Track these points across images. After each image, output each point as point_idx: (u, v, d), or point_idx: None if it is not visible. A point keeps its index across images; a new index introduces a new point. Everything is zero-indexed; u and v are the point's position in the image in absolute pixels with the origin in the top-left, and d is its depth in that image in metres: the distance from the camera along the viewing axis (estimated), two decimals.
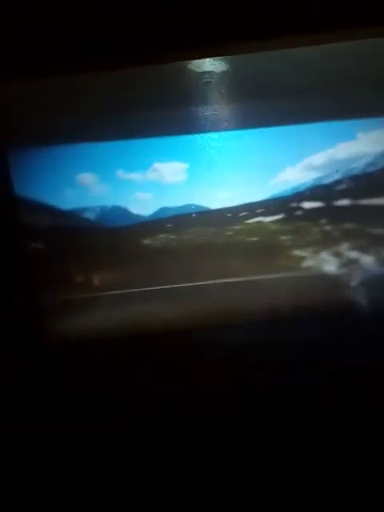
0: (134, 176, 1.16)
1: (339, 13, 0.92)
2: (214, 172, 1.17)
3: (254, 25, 0.92)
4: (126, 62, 0.97)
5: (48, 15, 0.92)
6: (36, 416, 1.11)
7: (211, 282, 1.20)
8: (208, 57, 1.01)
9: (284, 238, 1.20)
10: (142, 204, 1.18)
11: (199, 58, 1.02)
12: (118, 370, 1.15)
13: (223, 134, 1.14)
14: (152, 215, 1.19)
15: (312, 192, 1.18)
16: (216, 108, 1.12)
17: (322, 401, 1.11)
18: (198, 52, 0.97)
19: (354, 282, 1.18)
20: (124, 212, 1.18)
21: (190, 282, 1.20)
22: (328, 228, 1.19)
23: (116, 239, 1.21)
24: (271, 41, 0.94)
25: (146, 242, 1.21)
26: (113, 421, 1.10)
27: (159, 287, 1.20)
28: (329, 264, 1.20)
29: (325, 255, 1.19)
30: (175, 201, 1.18)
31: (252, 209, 1.19)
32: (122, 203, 1.18)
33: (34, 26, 0.93)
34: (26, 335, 1.19)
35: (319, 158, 1.16)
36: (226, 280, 1.19)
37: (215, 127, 1.13)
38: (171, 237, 1.21)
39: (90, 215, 1.20)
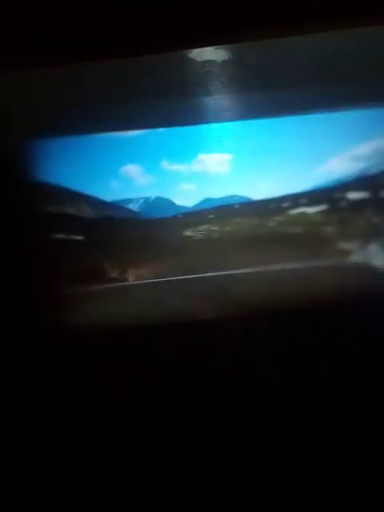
0: (179, 167, 1.17)
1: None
2: (257, 162, 1.17)
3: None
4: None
5: None
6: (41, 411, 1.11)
7: (250, 270, 1.18)
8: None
9: (328, 229, 1.18)
10: (186, 195, 1.19)
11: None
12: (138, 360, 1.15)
13: (267, 122, 1.15)
14: (195, 206, 1.20)
15: (357, 183, 1.17)
16: (260, 95, 1.12)
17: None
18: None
19: None
20: (168, 203, 1.20)
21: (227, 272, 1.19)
22: (374, 220, 1.17)
23: (158, 230, 1.22)
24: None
25: (188, 232, 1.21)
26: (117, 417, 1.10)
27: (196, 276, 1.20)
28: (374, 256, 1.18)
29: (370, 247, 1.17)
30: (218, 192, 1.19)
31: (295, 199, 1.18)
32: (165, 194, 1.20)
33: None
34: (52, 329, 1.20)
35: (364, 148, 1.15)
36: (267, 268, 1.18)
37: (259, 115, 1.13)
38: (213, 228, 1.21)
39: (133, 206, 1.22)
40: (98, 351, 1.17)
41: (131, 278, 1.23)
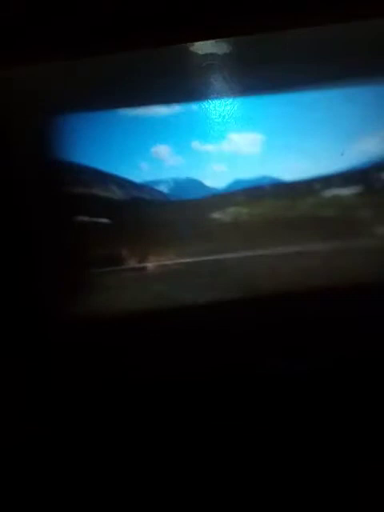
0: (210, 148, 1.15)
1: None
2: (289, 142, 1.14)
3: None
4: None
5: None
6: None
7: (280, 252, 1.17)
8: None
9: (362, 212, 1.16)
10: (217, 176, 1.17)
11: None
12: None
13: (299, 100, 1.11)
14: (225, 187, 1.18)
15: None
16: (293, 69, 1.08)
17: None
18: None
19: None
20: (198, 184, 1.18)
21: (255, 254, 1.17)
22: None
23: (187, 212, 1.21)
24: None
25: (218, 214, 1.20)
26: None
27: (224, 256, 1.19)
28: None
29: None
30: (249, 173, 1.17)
31: (328, 181, 1.15)
32: (196, 175, 1.18)
33: None
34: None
35: None
36: (297, 250, 1.16)
37: (291, 89, 1.10)
38: (243, 210, 1.20)
39: (162, 187, 1.21)
40: (122, 333, 1.18)
41: (160, 259, 1.24)
